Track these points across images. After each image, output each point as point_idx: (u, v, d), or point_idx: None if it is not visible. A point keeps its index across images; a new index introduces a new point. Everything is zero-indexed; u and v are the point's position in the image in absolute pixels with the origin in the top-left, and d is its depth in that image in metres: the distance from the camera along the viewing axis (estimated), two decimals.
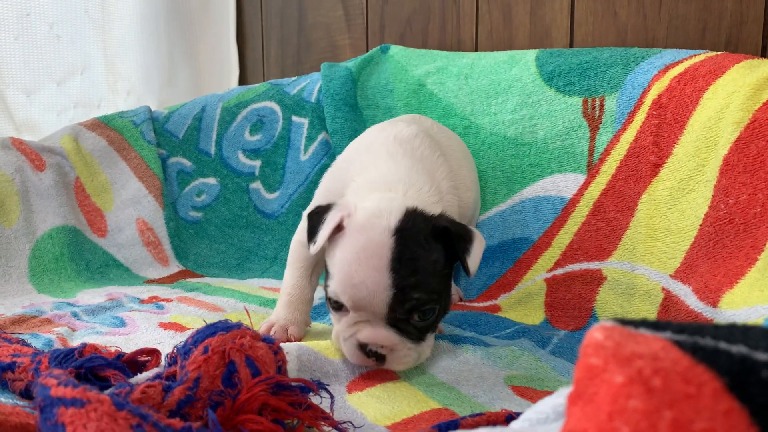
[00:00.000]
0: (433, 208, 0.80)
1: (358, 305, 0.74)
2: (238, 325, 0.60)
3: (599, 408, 0.27)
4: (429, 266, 0.74)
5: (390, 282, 0.71)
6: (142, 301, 1.13)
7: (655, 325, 0.30)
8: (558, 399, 0.36)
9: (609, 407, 0.26)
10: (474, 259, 0.76)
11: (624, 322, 0.31)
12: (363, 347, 0.74)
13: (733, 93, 0.86)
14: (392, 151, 0.90)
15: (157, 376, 0.58)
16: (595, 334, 0.29)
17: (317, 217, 0.79)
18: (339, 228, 0.77)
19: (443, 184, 0.91)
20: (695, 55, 1.01)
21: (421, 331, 0.76)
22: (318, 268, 0.94)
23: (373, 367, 0.77)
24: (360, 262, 0.73)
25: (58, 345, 0.83)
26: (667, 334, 0.29)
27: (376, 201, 0.79)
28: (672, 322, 0.31)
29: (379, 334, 0.74)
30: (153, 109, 1.70)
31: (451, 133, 1.20)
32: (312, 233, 0.79)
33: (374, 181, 0.85)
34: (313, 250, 0.79)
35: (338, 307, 0.77)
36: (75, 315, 1.01)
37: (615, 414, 0.26)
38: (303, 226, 0.89)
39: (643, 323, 0.31)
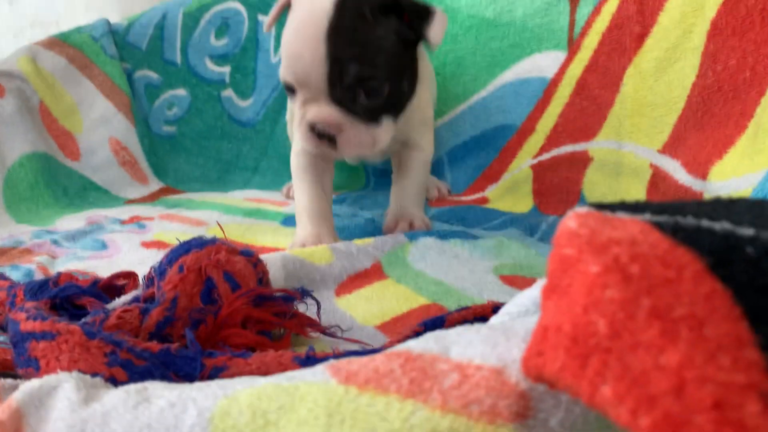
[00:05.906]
0: None
1: (300, 80, 0.74)
2: (213, 241, 0.58)
3: (574, 301, 0.25)
4: (372, 40, 0.73)
5: (325, 52, 0.71)
6: (122, 222, 1.11)
7: (634, 207, 0.28)
8: (537, 291, 0.35)
9: (584, 299, 0.24)
10: (436, 31, 0.74)
11: (600, 206, 0.28)
12: (313, 128, 0.75)
13: None
14: None
15: (135, 299, 0.57)
16: (568, 222, 0.27)
17: None
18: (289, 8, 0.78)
19: None
20: None
21: (372, 111, 0.75)
22: (327, 179, 0.89)
23: (330, 154, 0.80)
24: (298, 32, 0.73)
25: (38, 274, 0.82)
26: (646, 215, 0.27)
27: None
28: (652, 203, 0.28)
29: (324, 111, 0.74)
30: (113, 22, 1.61)
31: None
32: None
33: None
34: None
35: (290, 89, 0.77)
36: (55, 242, 0.99)
37: (590, 306, 0.24)
38: (296, 135, 0.84)
39: (621, 206, 0.28)
